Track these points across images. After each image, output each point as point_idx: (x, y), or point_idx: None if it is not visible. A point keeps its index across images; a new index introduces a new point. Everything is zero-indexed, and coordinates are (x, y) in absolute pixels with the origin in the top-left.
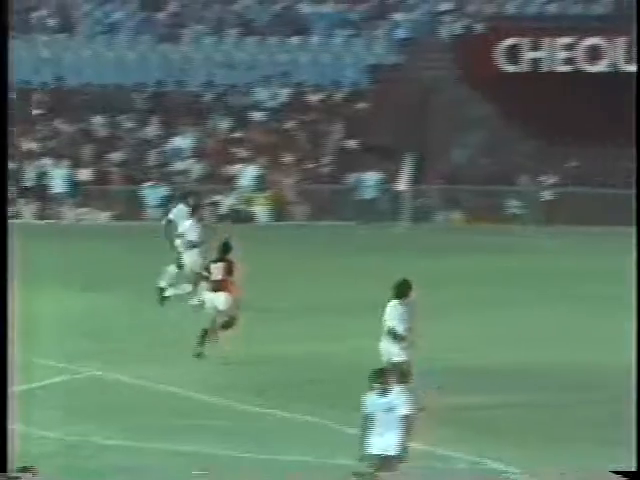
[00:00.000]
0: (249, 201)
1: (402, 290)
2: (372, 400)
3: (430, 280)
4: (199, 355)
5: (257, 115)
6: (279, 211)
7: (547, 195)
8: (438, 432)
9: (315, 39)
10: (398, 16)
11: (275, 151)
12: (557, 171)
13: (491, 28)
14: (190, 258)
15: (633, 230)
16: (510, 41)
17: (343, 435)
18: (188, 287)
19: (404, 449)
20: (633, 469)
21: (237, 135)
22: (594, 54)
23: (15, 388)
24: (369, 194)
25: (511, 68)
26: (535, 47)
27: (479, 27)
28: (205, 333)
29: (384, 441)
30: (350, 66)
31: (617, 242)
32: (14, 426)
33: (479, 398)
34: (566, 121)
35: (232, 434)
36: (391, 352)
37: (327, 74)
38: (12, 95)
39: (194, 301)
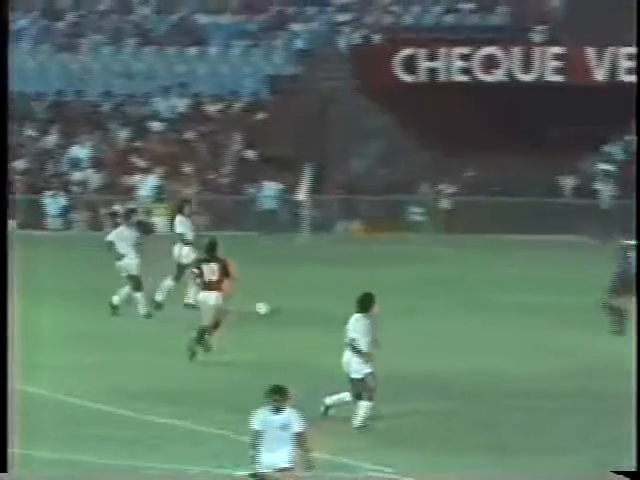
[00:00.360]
0: (149, 211)
1: (365, 303)
2: (265, 417)
3: (333, 290)
4: (193, 354)
5: (156, 125)
6: None
7: (445, 204)
8: (342, 441)
9: (213, 50)
10: (296, 27)
11: (174, 161)
12: (455, 180)
13: (388, 39)
14: (185, 253)
15: (535, 238)
16: (407, 51)
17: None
18: (169, 282)
19: (305, 465)
20: (633, 469)
21: (136, 145)
22: (490, 64)
23: None
24: (269, 204)
25: (408, 78)
26: (432, 57)
27: (377, 38)
28: (202, 332)
29: (275, 457)
30: (249, 77)
31: (511, 250)
32: None
33: (385, 407)
34: (463, 130)
35: (134, 444)
36: (353, 366)
37: (225, 85)
38: None
39: (189, 300)
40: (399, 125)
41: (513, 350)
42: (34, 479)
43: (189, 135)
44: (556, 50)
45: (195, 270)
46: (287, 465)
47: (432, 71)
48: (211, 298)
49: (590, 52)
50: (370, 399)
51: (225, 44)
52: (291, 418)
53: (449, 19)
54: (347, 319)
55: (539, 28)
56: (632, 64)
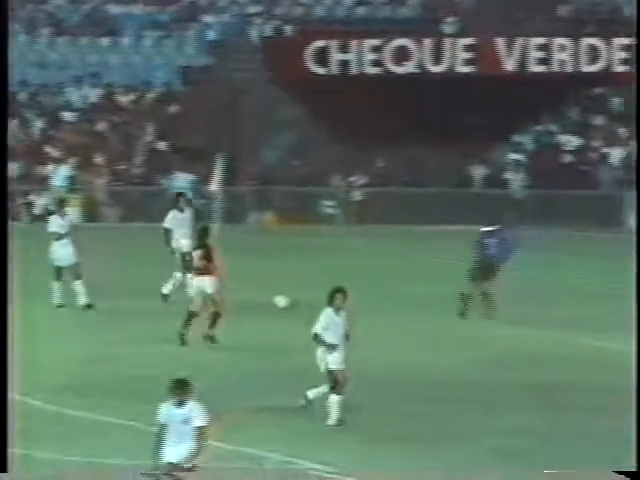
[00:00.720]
0: (62, 202)
1: (331, 298)
2: (168, 410)
3: (247, 282)
4: (183, 338)
5: (68, 115)
6: (90, 212)
7: (357, 196)
8: (249, 433)
9: (126, 40)
10: (208, 18)
11: (87, 152)
12: (366, 171)
13: (300, 30)
14: (185, 243)
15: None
16: (319, 43)
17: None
18: (178, 275)
19: (195, 457)
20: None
21: (50, 135)
22: (401, 55)
23: None
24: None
25: (320, 70)
26: (343, 49)
27: (288, 29)
28: (190, 317)
29: (177, 451)
30: (161, 67)
31: (423, 241)
32: None
33: (299, 398)
34: (374, 122)
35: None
36: (326, 359)
37: (138, 75)
38: None
39: (165, 290)
40: (311, 117)
41: (426, 341)
42: (34, 479)
43: (101, 125)
44: (466, 41)
45: (188, 258)
46: (185, 461)
47: (344, 63)
48: (206, 285)
49: (500, 43)
50: (338, 393)
51: (137, 35)
52: (193, 412)
53: (361, 11)
54: (258, 308)
55: (449, 19)
56: (542, 54)
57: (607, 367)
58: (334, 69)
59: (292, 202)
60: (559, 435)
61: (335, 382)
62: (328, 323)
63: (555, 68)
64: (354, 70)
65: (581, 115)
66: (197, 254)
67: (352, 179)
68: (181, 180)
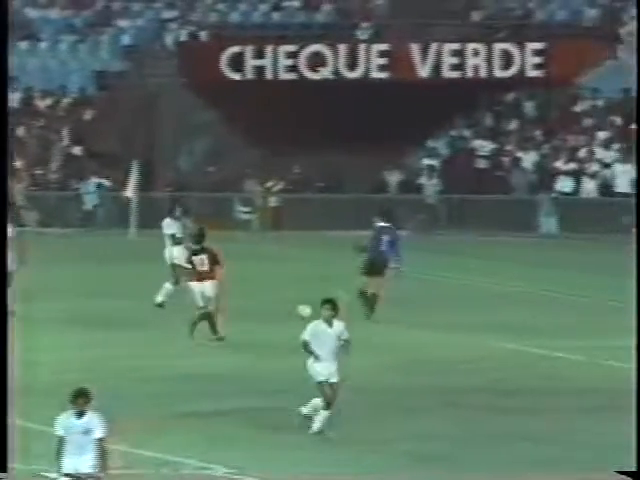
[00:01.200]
0: None
1: (321, 308)
2: (68, 421)
3: (145, 288)
4: (191, 333)
5: None
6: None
7: (272, 201)
8: (167, 439)
9: (43, 44)
10: (123, 23)
11: None
12: (282, 177)
13: (215, 36)
14: (177, 253)
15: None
16: (234, 49)
17: None
18: (169, 285)
19: (99, 470)
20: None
21: None
22: (316, 61)
23: None
24: (95, 201)
25: (235, 76)
26: (258, 55)
27: (203, 35)
28: (198, 320)
29: (79, 462)
30: (76, 72)
31: (338, 246)
32: None
33: (208, 404)
34: (290, 128)
35: None
36: (312, 370)
37: (54, 80)
38: None
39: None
40: (227, 122)
41: None
42: (34, 479)
43: (20, 130)
44: (381, 47)
45: (188, 265)
46: (90, 470)
47: (259, 69)
48: (207, 288)
49: (414, 48)
50: (326, 407)
51: (54, 39)
52: (93, 422)
53: (276, 17)
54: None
55: (364, 25)
56: (455, 60)
57: (517, 369)
58: (249, 75)
59: (207, 208)
60: (471, 438)
61: (323, 395)
62: (315, 332)
63: (469, 73)
64: (269, 76)
65: (494, 120)
66: (202, 259)
67: (268, 185)
68: (95, 185)
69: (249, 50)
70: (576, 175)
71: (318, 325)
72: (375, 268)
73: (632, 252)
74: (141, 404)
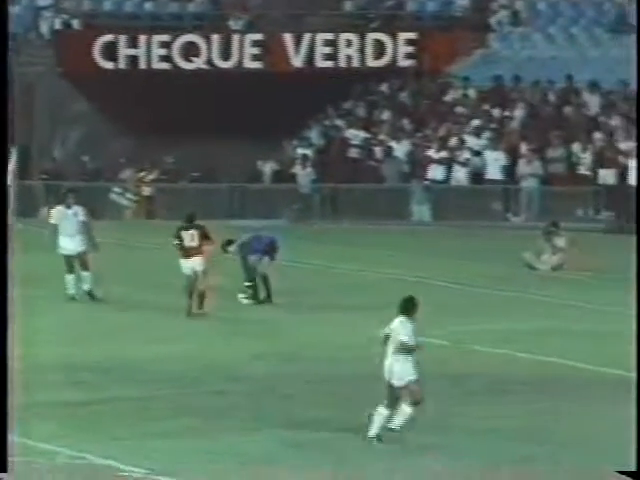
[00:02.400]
0: None
1: (408, 306)
2: None
3: (32, 276)
4: (189, 313)
5: None
6: None
7: (147, 191)
8: (41, 428)
9: None
10: None
11: None
12: (156, 167)
13: (88, 25)
14: (64, 243)
15: (236, 223)
16: (107, 38)
17: None
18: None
19: None
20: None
21: None
22: (190, 51)
23: None
24: None
25: (109, 65)
26: (132, 44)
27: (77, 23)
28: (191, 294)
29: None
30: None
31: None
32: None
33: (84, 394)
34: (165, 117)
35: None
36: (396, 372)
37: None
38: None
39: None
40: (102, 111)
41: (204, 335)
42: (34, 479)
43: None
44: (254, 37)
45: (176, 240)
46: None
47: (132, 58)
48: (196, 264)
49: (287, 39)
50: (415, 404)
51: None
52: None
53: (149, 6)
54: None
55: (237, 16)
56: (329, 50)
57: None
58: (122, 64)
59: (83, 197)
60: (349, 424)
61: (409, 394)
62: (405, 331)
63: (342, 63)
64: (143, 65)
65: (367, 109)
66: (191, 234)
67: (142, 174)
68: None
69: (122, 39)
70: (447, 163)
71: (405, 322)
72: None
73: (503, 239)
74: (15, 392)
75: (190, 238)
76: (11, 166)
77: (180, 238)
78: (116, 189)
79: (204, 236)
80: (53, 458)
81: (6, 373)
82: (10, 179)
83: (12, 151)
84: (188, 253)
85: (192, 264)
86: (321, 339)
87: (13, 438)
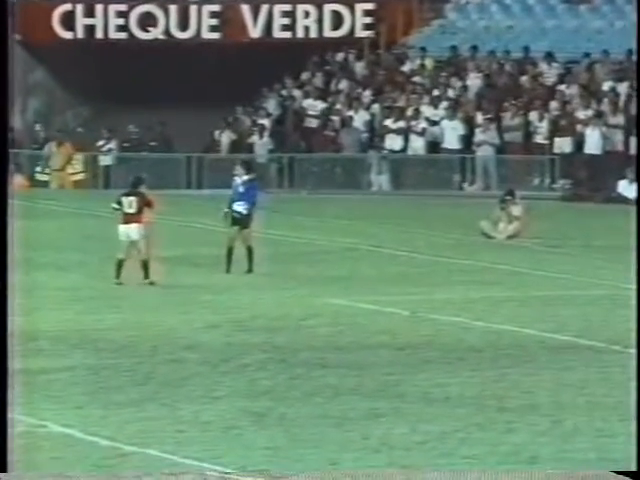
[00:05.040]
0: None
1: None
2: None
3: None
4: (119, 283)
5: None
6: None
7: (105, 160)
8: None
9: None
10: None
11: None
12: (114, 136)
13: None
14: None
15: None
16: (65, 7)
17: None
18: None
19: None
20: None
21: None
22: (147, 22)
23: None
24: None
25: (67, 34)
26: (89, 14)
27: None
28: (121, 262)
29: None
30: None
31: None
32: None
33: (40, 362)
34: (123, 87)
35: None
36: None
37: None
38: None
39: None
40: (60, 81)
41: (154, 304)
42: (34, 479)
43: None
44: (212, 8)
45: (115, 205)
46: None
47: (90, 28)
48: (133, 232)
49: (245, 9)
50: None
51: None
52: None
53: None
54: None
55: None
56: (286, 21)
57: (347, 324)
58: (80, 34)
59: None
60: (303, 394)
61: None
62: None
63: (299, 34)
64: (100, 35)
65: (324, 80)
66: (130, 200)
67: (100, 143)
68: None
69: (80, 9)
70: (405, 133)
71: None
72: (239, 221)
73: (459, 208)
74: None
75: (128, 205)
76: None
77: (120, 204)
78: (37, 168)
79: (144, 204)
80: (11, 426)
81: (6, 373)
82: None
83: None
84: (126, 220)
85: (128, 231)
86: (276, 309)
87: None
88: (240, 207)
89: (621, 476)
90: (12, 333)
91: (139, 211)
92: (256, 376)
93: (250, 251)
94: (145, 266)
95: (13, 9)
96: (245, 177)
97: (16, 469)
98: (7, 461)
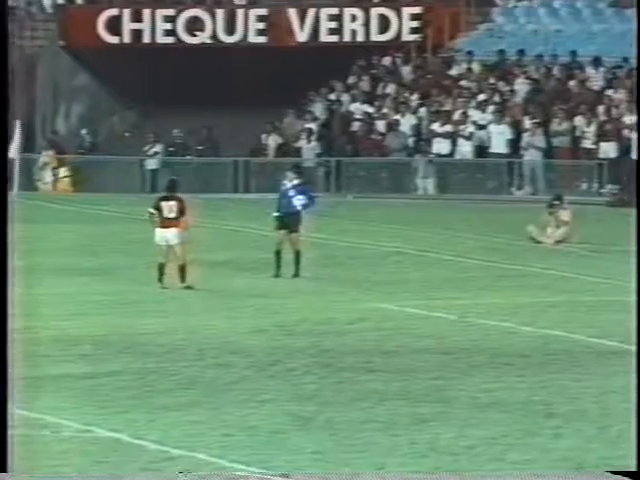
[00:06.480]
0: None
1: None
2: None
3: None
4: (164, 287)
5: None
6: None
7: (151, 164)
8: (44, 401)
9: None
10: None
11: None
12: (160, 140)
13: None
14: None
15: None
16: (111, 12)
17: None
18: None
19: None
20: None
21: None
22: (195, 26)
23: None
24: None
25: (113, 39)
26: (136, 19)
27: None
28: (162, 266)
29: None
30: None
31: (220, 209)
32: None
33: (86, 367)
34: (168, 91)
35: None
36: None
37: None
38: None
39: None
40: (105, 85)
41: (206, 307)
42: (34, 479)
43: None
44: (259, 12)
45: (152, 210)
46: None
47: (137, 32)
48: (172, 236)
49: (292, 13)
50: None
51: None
52: None
53: None
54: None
55: None
56: (333, 24)
57: (394, 329)
58: (127, 38)
59: (87, 171)
60: (350, 399)
61: None
62: None
63: (346, 38)
64: (147, 39)
65: (371, 84)
66: (170, 205)
67: (146, 148)
68: None
69: (127, 13)
70: (452, 137)
71: None
72: (287, 224)
73: (506, 213)
74: (21, 364)
75: (168, 209)
76: (15, 140)
77: (159, 208)
78: (39, 181)
79: (181, 210)
80: (59, 431)
81: (6, 373)
82: (14, 153)
83: (16, 125)
84: (164, 224)
85: (167, 235)
86: (322, 313)
87: (13, 438)
88: (290, 211)
89: (621, 476)
90: (57, 338)
91: (178, 215)
92: (302, 380)
93: (298, 255)
94: (182, 270)
95: (58, 14)
96: (295, 181)
97: (60, 473)
98: (7, 461)
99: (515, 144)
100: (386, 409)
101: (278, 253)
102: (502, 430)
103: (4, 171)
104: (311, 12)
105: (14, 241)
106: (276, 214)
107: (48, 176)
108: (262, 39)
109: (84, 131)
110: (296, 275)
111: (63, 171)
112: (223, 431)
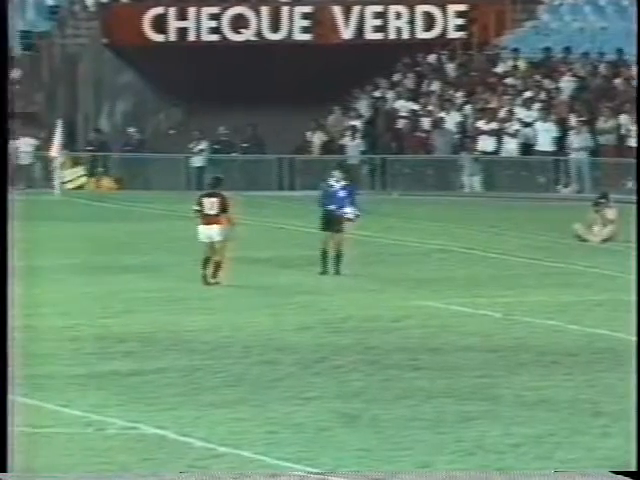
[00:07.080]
0: None
1: None
2: None
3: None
4: (204, 279)
5: None
6: None
7: (197, 162)
8: (90, 398)
9: None
10: None
11: None
12: (206, 138)
13: None
14: None
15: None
16: (156, 10)
17: None
18: None
19: None
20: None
21: None
22: (239, 23)
23: None
24: (23, 161)
25: (158, 37)
26: (181, 17)
27: None
28: (206, 260)
29: None
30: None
31: (264, 206)
32: None
33: (132, 364)
34: (213, 88)
35: None
36: None
37: None
38: None
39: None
40: (149, 83)
41: (251, 304)
42: (34, 479)
43: None
44: (303, 9)
45: (196, 206)
46: None
47: (182, 30)
48: (214, 232)
49: (336, 11)
50: None
51: None
52: None
53: None
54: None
55: None
56: (378, 22)
57: (439, 326)
58: (172, 36)
59: (131, 169)
60: (396, 396)
61: None
62: None
63: (391, 35)
64: (192, 37)
65: (416, 81)
66: (211, 202)
67: (191, 145)
68: (23, 145)
69: (172, 12)
70: (497, 134)
71: None
72: (330, 225)
73: (552, 210)
74: (66, 362)
75: (210, 206)
76: (58, 138)
77: (201, 205)
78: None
79: (223, 207)
80: (103, 428)
81: (6, 373)
82: (56, 151)
83: (58, 123)
84: (207, 221)
85: (209, 232)
86: (368, 310)
87: (13, 437)
88: (338, 211)
89: (621, 476)
90: (102, 336)
91: (220, 212)
92: (348, 378)
93: (339, 255)
94: (217, 267)
95: (102, 13)
96: (342, 182)
97: (107, 471)
98: (7, 461)
99: (561, 142)
100: (432, 407)
101: (325, 252)
102: (549, 429)
103: (4, 171)
104: (356, 9)
105: (61, 239)
106: (321, 215)
107: (68, 175)
108: (307, 37)
109: (131, 129)
110: (337, 273)
111: (79, 170)
112: (268, 428)
